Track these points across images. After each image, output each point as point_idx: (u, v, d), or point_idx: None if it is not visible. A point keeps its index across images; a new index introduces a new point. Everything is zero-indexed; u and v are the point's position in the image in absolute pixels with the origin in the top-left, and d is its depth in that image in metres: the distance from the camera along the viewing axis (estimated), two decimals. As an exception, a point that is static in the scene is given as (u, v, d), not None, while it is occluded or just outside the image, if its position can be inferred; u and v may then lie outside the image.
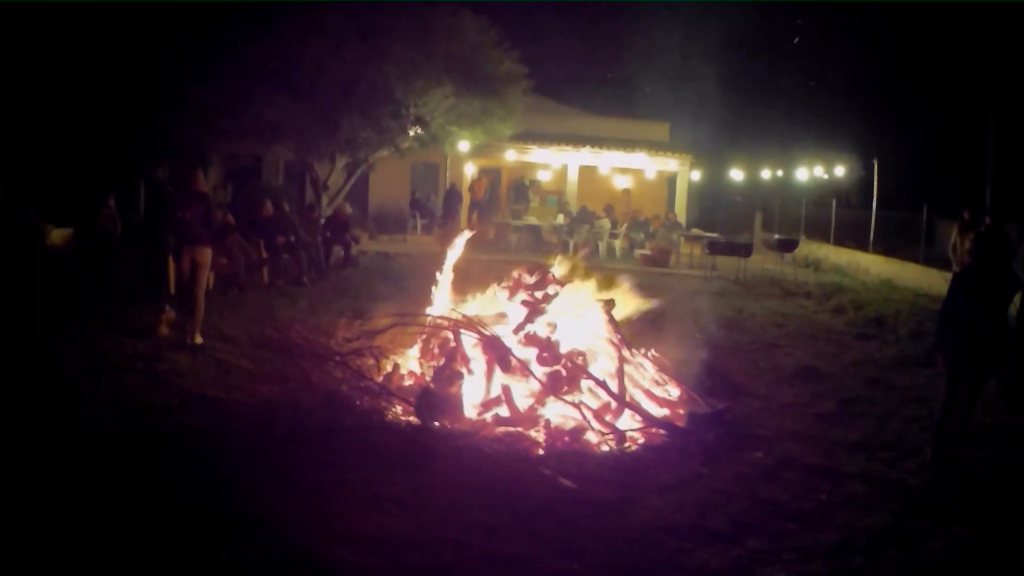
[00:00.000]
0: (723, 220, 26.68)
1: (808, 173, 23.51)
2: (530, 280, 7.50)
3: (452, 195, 24.43)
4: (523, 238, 21.57)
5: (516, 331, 6.94)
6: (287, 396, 7.41)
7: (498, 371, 6.76)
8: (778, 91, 30.29)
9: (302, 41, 17.71)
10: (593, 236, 20.47)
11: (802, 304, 14.17)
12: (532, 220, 22.47)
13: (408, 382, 7.45)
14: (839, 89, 28.26)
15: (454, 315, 7.50)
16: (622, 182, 26.18)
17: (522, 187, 25.80)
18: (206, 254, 9.08)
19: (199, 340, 8.92)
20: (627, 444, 6.28)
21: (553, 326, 6.99)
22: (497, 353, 6.70)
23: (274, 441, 6.15)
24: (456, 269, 9.08)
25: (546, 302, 7.13)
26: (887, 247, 19.34)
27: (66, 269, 12.87)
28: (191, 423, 6.50)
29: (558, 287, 7.36)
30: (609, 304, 7.27)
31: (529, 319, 6.94)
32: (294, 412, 6.93)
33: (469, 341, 7.14)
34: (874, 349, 10.70)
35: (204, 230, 9.05)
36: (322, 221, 17.24)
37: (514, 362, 6.63)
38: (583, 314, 7.28)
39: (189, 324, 8.96)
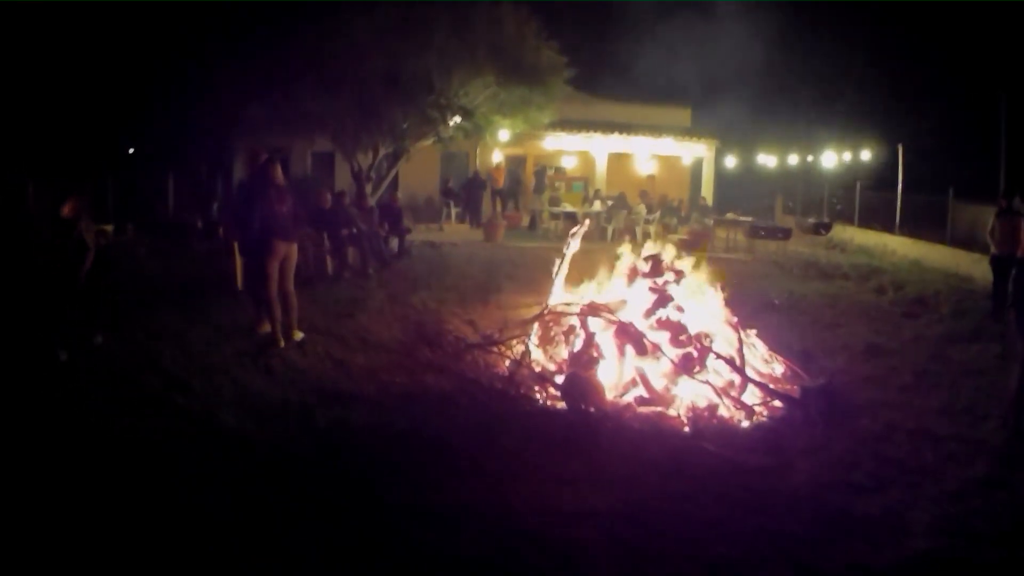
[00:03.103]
0: (745, 204, 27.59)
1: (837, 158, 24.40)
2: (646, 268, 8.47)
3: (475, 183, 25.30)
4: (560, 225, 22.46)
5: (647, 316, 7.92)
6: (425, 387, 7.82)
7: (630, 354, 7.74)
8: (804, 77, 31.15)
9: (346, 33, 18.29)
10: (630, 222, 21.43)
11: (843, 285, 15.12)
12: (567, 207, 23.38)
13: (537, 369, 8.24)
14: (863, 75, 29.14)
15: (581, 303, 8.47)
16: (647, 168, 27.06)
17: (541, 175, 26.66)
18: (295, 249, 9.25)
19: (300, 335, 9.11)
20: (755, 417, 7.31)
21: (681, 310, 7.99)
22: (632, 338, 7.69)
23: (437, 432, 6.55)
24: (521, 258, 9.62)
25: (669, 286, 8.13)
26: (910, 229, 20.37)
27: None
28: (342, 419, 6.75)
29: (675, 274, 8.37)
30: (723, 287, 8.32)
31: (660, 304, 7.92)
32: (442, 403, 7.35)
33: (596, 327, 8.11)
34: (923, 327, 11.54)
35: (293, 225, 9.15)
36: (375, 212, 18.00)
37: (648, 345, 7.63)
38: (700, 297, 8.30)
39: (286, 320, 9.00)
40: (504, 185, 25.82)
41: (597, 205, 23.05)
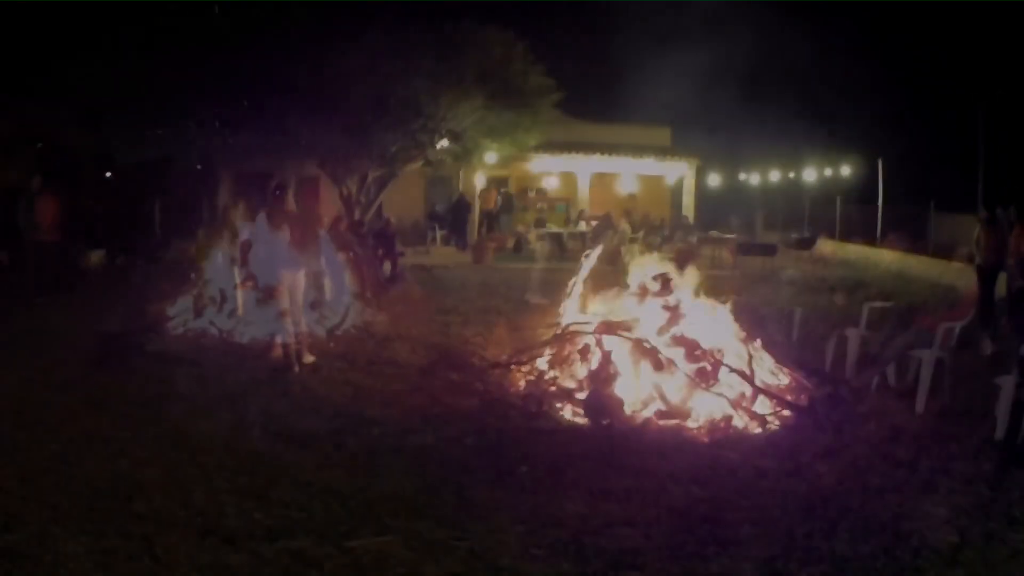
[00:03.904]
0: (725, 221, 28.06)
1: (817, 173, 24.92)
2: (656, 287, 8.80)
3: (461, 206, 25.60)
4: (546, 246, 22.78)
5: (661, 333, 8.24)
6: (450, 408, 8.00)
7: (646, 370, 8.04)
8: (783, 93, 31.82)
9: (336, 59, 18.53)
10: (617, 241, 21.76)
11: (832, 300, 15.51)
12: (553, 228, 23.72)
13: (558, 387, 8.47)
14: (843, 90, 29.85)
15: (596, 322, 8.77)
16: (628, 187, 27.47)
17: (508, 197, 26.95)
18: (302, 276, 9.48)
19: (311, 358, 9.42)
20: (767, 426, 7.63)
21: (694, 326, 8.32)
22: (647, 354, 8.00)
23: (472, 450, 6.80)
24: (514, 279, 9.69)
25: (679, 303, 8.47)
26: (891, 241, 20.84)
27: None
28: (372, 442, 6.90)
29: (684, 292, 8.72)
30: (730, 303, 8.68)
31: (674, 322, 8.25)
32: (471, 423, 7.53)
33: (613, 344, 8.41)
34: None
35: (300, 253, 9.34)
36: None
37: (664, 361, 7.94)
38: (710, 312, 8.65)
39: (297, 345, 9.27)
40: (494, 208, 26.15)
41: (583, 226, 23.41)
